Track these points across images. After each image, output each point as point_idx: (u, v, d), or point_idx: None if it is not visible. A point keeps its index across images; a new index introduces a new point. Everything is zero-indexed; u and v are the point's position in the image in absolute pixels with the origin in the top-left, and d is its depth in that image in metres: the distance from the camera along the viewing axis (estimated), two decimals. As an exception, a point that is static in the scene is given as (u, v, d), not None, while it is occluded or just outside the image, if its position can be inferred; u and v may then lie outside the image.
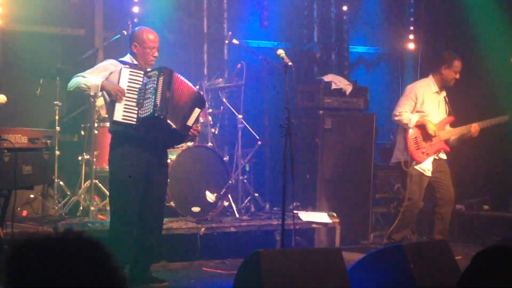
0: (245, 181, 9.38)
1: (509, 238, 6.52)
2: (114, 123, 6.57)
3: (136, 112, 6.55)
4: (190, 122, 6.74)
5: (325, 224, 8.96)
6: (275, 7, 10.92)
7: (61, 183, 8.69)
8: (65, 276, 1.84)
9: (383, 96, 9.34)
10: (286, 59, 6.83)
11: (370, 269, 6.17)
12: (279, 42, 10.94)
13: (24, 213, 8.52)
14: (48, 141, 6.77)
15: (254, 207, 9.30)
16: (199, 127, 7.11)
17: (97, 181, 8.49)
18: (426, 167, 8.75)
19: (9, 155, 6.17)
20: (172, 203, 8.26)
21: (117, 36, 9.21)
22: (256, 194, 9.42)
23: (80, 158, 8.72)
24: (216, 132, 9.31)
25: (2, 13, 9.18)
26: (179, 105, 6.67)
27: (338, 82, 9.96)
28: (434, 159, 8.79)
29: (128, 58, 6.89)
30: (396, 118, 8.81)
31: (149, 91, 6.56)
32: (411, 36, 11.66)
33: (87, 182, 8.49)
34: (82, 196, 8.53)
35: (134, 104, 6.57)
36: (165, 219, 7.48)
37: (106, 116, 7.58)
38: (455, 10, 10.98)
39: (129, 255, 6.80)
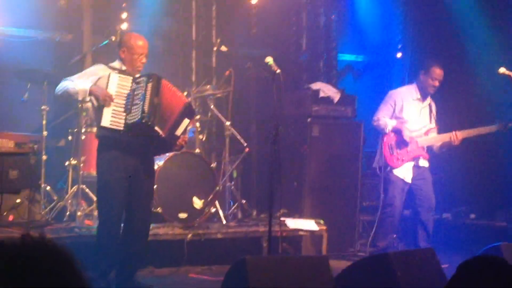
0: (232, 187, 9.38)
1: (495, 247, 6.53)
2: (102, 128, 6.56)
3: (123, 118, 6.53)
4: (178, 132, 6.73)
5: (312, 232, 8.96)
6: (263, 14, 10.93)
7: (48, 188, 8.66)
8: (22, 283, 1.82)
9: (371, 105, 9.33)
10: (275, 67, 6.84)
11: (357, 277, 6.17)
12: (267, 50, 10.94)
13: (10, 217, 8.47)
14: (35, 146, 6.78)
15: (241, 213, 9.31)
16: (187, 138, 7.09)
17: (84, 186, 8.47)
18: (405, 173, 8.80)
19: (-5, 160, 6.15)
20: (159, 209, 8.24)
21: (105, 42, 9.19)
22: (243, 201, 9.42)
23: (67, 163, 8.69)
24: (204, 139, 9.31)
25: (-11, 17, 9.17)
26: (167, 112, 6.65)
27: (326, 90, 9.98)
28: (415, 166, 8.82)
29: (117, 63, 6.88)
30: (375, 124, 8.93)
31: (137, 97, 6.55)
32: (399, 45, 11.69)
33: (74, 187, 8.47)
34: (69, 201, 8.50)
35: (122, 109, 6.55)
36: (152, 225, 7.46)
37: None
38: (443, 19, 11.02)
39: (115, 260, 6.79)
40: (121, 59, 6.87)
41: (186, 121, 6.78)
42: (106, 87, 6.58)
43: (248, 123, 9.72)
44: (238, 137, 9.33)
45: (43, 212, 8.43)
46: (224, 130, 9.35)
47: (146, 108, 6.47)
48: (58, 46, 10.09)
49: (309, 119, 9.77)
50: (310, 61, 11.43)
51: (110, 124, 6.51)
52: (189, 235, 8.21)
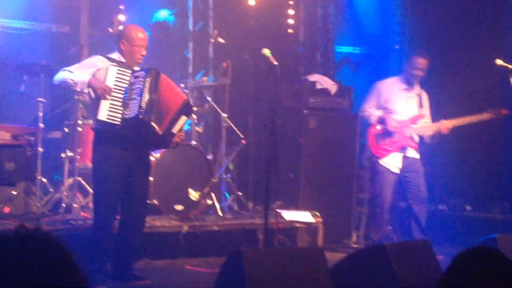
0: (228, 179, 9.38)
1: (490, 239, 6.54)
2: (98, 121, 6.55)
3: (121, 112, 6.52)
4: (175, 129, 6.72)
5: (308, 224, 8.97)
6: (261, 6, 10.90)
7: (44, 180, 8.65)
8: (17, 275, 1.82)
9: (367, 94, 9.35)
10: (272, 59, 6.84)
11: (353, 269, 6.18)
12: (265, 42, 10.91)
13: (6, 209, 8.47)
14: (32, 138, 6.76)
15: (238, 205, 9.32)
16: (183, 135, 7.08)
17: (80, 178, 8.46)
18: (392, 163, 8.81)
19: (-9, 152, 6.15)
20: (155, 201, 8.24)
21: (102, 34, 9.17)
22: (240, 193, 9.42)
23: (63, 155, 8.68)
24: (201, 131, 9.30)
25: (-15, 9, 9.15)
26: (164, 108, 6.64)
27: (323, 82, 9.97)
28: (404, 156, 8.83)
29: (115, 55, 6.86)
30: (361, 114, 9.04)
31: (135, 91, 6.54)
32: (397, 37, 11.68)
33: (70, 179, 8.46)
34: (65, 193, 8.49)
35: (120, 103, 6.54)
36: (148, 217, 7.46)
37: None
38: (441, 10, 11.01)
39: (111, 252, 6.79)
40: (121, 50, 6.85)
41: (183, 118, 6.78)
42: (104, 80, 6.57)
43: (245, 115, 9.71)
44: (235, 129, 9.33)
45: (39, 204, 8.42)
46: (220, 122, 9.35)
47: (143, 103, 6.46)
48: (54, 38, 10.07)
49: (305, 111, 9.77)
50: (307, 53, 11.42)
51: (107, 118, 6.50)
52: (185, 227, 8.21)
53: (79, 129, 8.54)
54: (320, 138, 9.78)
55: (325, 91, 9.92)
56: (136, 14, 9.73)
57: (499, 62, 7.98)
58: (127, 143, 6.61)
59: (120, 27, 8.60)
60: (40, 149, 8.39)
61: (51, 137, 9.29)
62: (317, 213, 9.12)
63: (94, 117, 6.65)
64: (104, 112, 6.51)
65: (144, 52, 6.86)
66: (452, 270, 2.86)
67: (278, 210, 8.39)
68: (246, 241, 8.47)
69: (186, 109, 6.82)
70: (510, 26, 10.53)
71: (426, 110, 9.00)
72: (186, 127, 8.54)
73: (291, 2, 11.36)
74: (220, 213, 8.82)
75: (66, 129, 8.87)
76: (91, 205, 8.06)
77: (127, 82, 6.60)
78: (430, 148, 9.96)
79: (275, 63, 6.82)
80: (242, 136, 9.34)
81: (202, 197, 8.64)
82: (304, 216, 8.99)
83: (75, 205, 8.25)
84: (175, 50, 10.64)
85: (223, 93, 9.43)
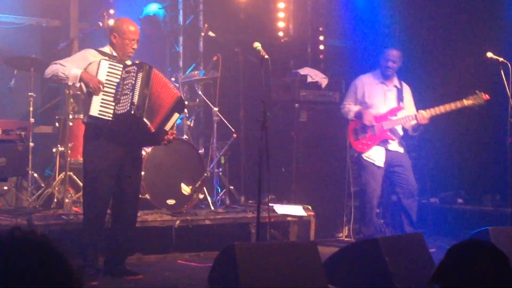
0: (220, 173, 9.37)
1: (482, 231, 6.56)
2: (90, 117, 6.53)
3: (112, 107, 6.50)
4: (167, 126, 6.71)
5: (300, 217, 8.96)
6: (250, -1, 10.90)
7: (35, 175, 8.63)
8: (11, 277, 1.81)
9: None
10: (263, 52, 6.82)
11: (346, 263, 6.20)
12: (255, 35, 10.90)
13: (-2, 205, 8.47)
14: (23, 133, 6.73)
15: (229, 199, 9.31)
16: (176, 132, 7.06)
17: (71, 173, 8.43)
18: (375, 157, 8.84)
19: (-18, 147, 6.12)
20: (147, 196, 8.22)
21: (92, 28, 9.13)
22: (231, 187, 9.41)
23: (54, 150, 8.65)
24: (192, 125, 9.29)
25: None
26: (156, 104, 6.62)
27: (314, 75, 9.97)
28: (387, 150, 8.85)
29: (107, 48, 6.84)
30: (341, 111, 9.09)
31: (127, 87, 6.52)
32: (386, 30, 11.67)
33: (61, 174, 8.44)
34: (57, 188, 8.47)
35: (111, 99, 6.52)
36: (140, 212, 7.46)
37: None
38: (431, 3, 11.02)
39: (102, 247, 6.78)
40: (112, 44, 6.83)
41: (176, 115, 6.76)
42: (96, 74, 6.54)
43: (236, 109, 9.69)
44: (226, 123, 9.31)
45: (30, 199, 8.40)
46: (211, 116, 9.33)
47: (135, 99, 6.44)
48: (45, 32, 10.04)
49: (297, 105, 9.77)
50: (298, 46, 11.41)
51: (99, 114, 6.49)
52: (177, 222, 8.19)
53: (70, 123, 8.50)
54: (311, 132, 9.79)
55: (316, 85, 9.92)
56: (126, 8, 9.71)
57: (489, 55, 7.98)
58: (119, 138, 6.59)
59: (111, 21, 8.58)
60: (31, 144, 8.36)
61: (41, 132, 9.27)
62: (309, 207, 9.12)
63: (86, 112, 6.63)
64: (96, 107, 6.49)
65: (135, 46, 6.84)
66: (446, 264, 2.86)
67: (270, 204, 8.38)
68: (238, 235, 8.46)
69: (179, 106, 6.81)
70: (494, 17, 10.53)
71: (409, 102, 9.02)
72: (177, 121, 8.52)
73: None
74: (212, 207, 8.80)
75: (57, 124, 8.84)
76: (82, 200, 8.04)
77: (119, 77, 6.58)
78: (421, 141, 9.99)
79: (266, 56, 6.80)
80: (233, 130, 9.33)
81: (194, 191, 8.63)
82: (296, 210, 8.99)
83: (66, 200, 8.23)
84: (165, 44, 10.61)
85: (214, 87, 9.41)
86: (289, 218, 8.91)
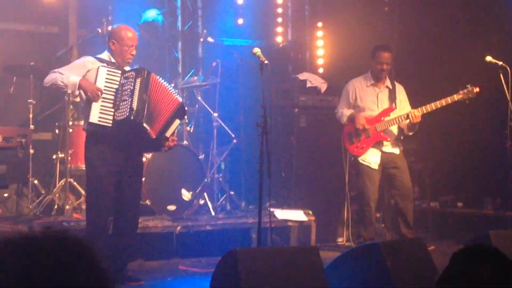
0: (220, 179, 9.38)
1: (482, 236, 6.56)
2: (90, 124, 6.52)
3: (112, 114, 6.49)
4: (168, 133, 6.70)
5: (300, 222, 8.96)
6: (249, 5, 10.91)
7: (36, 182, 8.62)
8: (46, 276, 1.82)
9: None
10: (262, 58, 6.82)
11: (347, 267, 6.18)
12: (254, 40, 10.93)
13: (-2, 212, 8.46)
14: (23, 140, 6.72)
15: (230, 205, 9.31)
16: (176, 139, 7.04)
17: (71, 179, 8.43)
18: (371, 160, 8.84)
19: (-17, 154, 6.12)
20: (148, 202, 8.23)
21: (91, 34, 9.14)
22: (232, 192, 9.42)
23: (54, 156, 8.65)
24: (191, 130, 9.29)
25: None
26: (156, 110, 6.61)
27: (313, 80, 9.98)
28: (382, 152, 8.85)
29: (105, 55, 6.84)
30: (336, 116, 9.05)
31: (126, 93, 6.51)
32: (385, 33, 11.67)
33: (62, 181, 8.43)
34: (57, 195, 8.47)
35: (111, 105, 6.51)
36: (141, 218, 7.45)
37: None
38: (428, 10, 11.04)
39: (104, 254, 6.77)
40: (111, 50, 6.82)
41: (177, 121, 6.76)
42: (94, 81, 6.54)
43: (235, 114, 9.70)
44: (226, 128, 9.32)
45: (31, 206, 8.40)
46: (211, 122, 9.34)
47: (134, 105, 6.44)
48: (44, 39, 10.03)
49: (296, 110, 9.78)
50: (296, 51, 11.42)
51: (99, 121, 6.48)
52: (178, 228, 8.19)
53: (70, 130, 8.50)
54: (311, 137, 9.80)
55: (315, 89, 9.93)
56: (125, 14, 9.71)
57: (488, 59, 7.99)
58: (120, 145, 6.58)
59: (110, 28, 8.58)
60: (31, 151, 8.37)
61: (41, 138, 9.27)
62: (310, 212, 9.13)
63: (86, 119, 6.62)
64: (96, 114, 6.48)
65: (134, 52, 6.83)
66: (450, 269, 2.86)
67: (271, 209, 8.38)
68: (239, 240, 8.47)
69: (180, 112, 6.80)
70: (494, 19, 10.54)
71: (403, 102, 9.02)
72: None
73: (279, 1, 11.36)
74: (212, 213, 8.81)
75: (56, 131, 8.84)
76: (83, 206, 8.04)
77: (118, 83, 6.58)
78: (421, 144, 9.99)
79: (266, 61, 6.80)
80: (233, 135, 9.34)
81: (195, 197, 8.64)
82: (296, 215, 9.00)
83: (67, 207, 8.23)
84: (164, 50, 10.62)
85: (213, 92, 9.42)
86: (289, 223, 8.91)
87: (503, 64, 7.75)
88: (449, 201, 10.64)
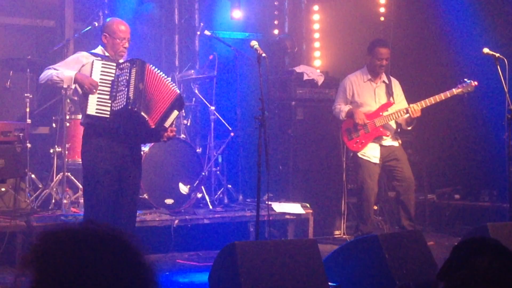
0: (218, 172, 9.38)
1: (480, 228, 6.57)
2: (88, 116, 6.51)
3: (109, 105, 6.49)
4: (167, 123, 6.68)
5: (298, 215, 8.97)
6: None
7: (33, 176, 8.61)
8: (87, 269, 1.81)
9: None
10: (260, 51, 6.81)
11: (346, 260, 6.20)
12: (250, 33, 10.92)
13: (-5, 206, 8.44)
14: (21, 134, 6.71)
15: (227, 198, 9.32)
16: (175, 129, 7.04)
17: (69, 173, 8.42)
18: (371, 154, 8.85)
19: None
20: (145, 195, 8.22)
21: (88, 28, 9.12)
22: (229, 186, 9.42)
23: (51, 150, 8.64)
24: (189, 124, 9.29)
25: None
26: (154, 99, 6.60)
27: (310, 73, 9.98)
28: (381, 146, 8.86)
29: (99, 49, 6.83)
30: (333, 113, 9.08)
31: (122, 83, 6.51)
32: (382, 27, 11.67)
33: (59, 175, 8.42)
34: (54, 189, 8.46)
35: (107, 97, 6.50)
36: (139, 212, 7.45)
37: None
38: (426, 4, 11.04)
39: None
40: (104, 44, 6.82)
41: (175, 112, 6.74)
42: (90, 75, 6.54)
43: (232, 108, 9.70)
44: (223, 121, 9.32)
45: (28, 201, 8.39)
46: (208, 115, 9.34)
47: (131, 94, 6.43)
48: (40, 33, 10.01)
49: (293, 103, 9.77)
50: (293, 44, 11.40)
51: (96, 112, 6.47)
52: (176, 221, 8.20)
53: (67, 124, 8.49)
54: (308, 130, 9.80)
55: (312, 82, 9.92)
56: (121, 7, 9.69)
57: (486, 50, 7.99)
58: (118, 137, 6.57)
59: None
60: (28, 145, 8.35)
61: (38, 132, 9.26)
62: (307, 205, 9.13)
63: (83, 113, 6.61)
64: (93, 106, 6.48)
65: (126, 45, 6.82)
66: (451, 261, 2.86)
67: (268, 202, 8.38)
68: (237, 233, 8.48)
69: (178, 103, 6.79)
70: (492, 12, 10.55)
71: (399, 96, 9.05)
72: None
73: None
74: (210, 206, 8.82)
75: (53, 125, 8.83)
76: (81, 200, 8.03)
77: (113, 75, 6.57)
78: (418, 137, 10.00)
79: (264, 54, 6.80)
80: (230, 129, 9.34)
81: (192, 190, 8.64)
82: (294, 208, 9.00)
83: (65, 201, 8.22)
84: (161, 43, 10.60)
85: (210, 85, 9.42)
86: (287, 216, 8.92)
87: (500, 56, 7.74)
88: (446, 193, 10.66)
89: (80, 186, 8.18)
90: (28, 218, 7.73)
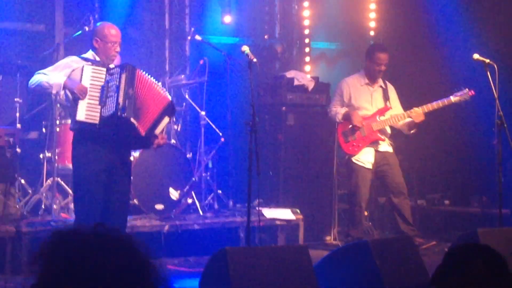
0: (208, 178, 9.36)
1: (470, 234, 6.58)
2: (77, 122, 6.48)
3: (99, 111, 6.45)
4: (158, 130, 6.65)
5: (288, 221, 8.96)
6: (236, 3, 10.90)
7: (23, 181, 8.57)
8: (95, 272, 1.81)
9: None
10: (251, 56, 6.81)
11: (336, 266, 6.20)
12: (241, 38, 10.92)
13: (-16, 211, 8.40)
14: (11, 139, 6.68)
15: (218, 204, 9.29)
16: (166, 137, 7.00)
17: (59, 179, 8.39)
18: (364, 159, 8.86)
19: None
20: (135, 201, 8.20)
21: (78, 32, 9.09)
22: (220, 191, 9.41)
23: (41, 155, 8.61)
24: (179, 129, 9.28)
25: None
26: (144, 105, 6.56)
27: (301, 78, 9.98)
28: (376, 151, 8.88)
29: (90, 54, 6.80)
30: (329, 115, 9.12)
31: (112, 89, 6.47)
32: (372, 32, 11.70)
33: (49, 180, 8.39)
34: (44, 194, 8.42)
35: (97, 102, 6.46)
36: (129, 217, 7.41)
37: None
38: (418, 5, 11.05)
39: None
40: (95, 49, 6.78)
41: (166, 119, 6.71)
42: (80, 80, 6.50)
43: (223, 113, 9.69)
44: (213, 126, 9.31)
45: (18, 206, 8.34)
46: (199, 120, 9.32)
47: (120, 100, 6.39)
48: (30, 37, 9.97)
49: (283, 108, 9.77)
50: (284, 49, 11.42)
51: (86, 118, 6.43)
52: (166, 227, 8.18)
53: (57, 129, 8.46)
54: (298, 135, 9.79)
55: (302, 88, 9.92)
56: (111, 12, 9.67)
57: (476, 56, 8.00)
58: (108, 143, 6.53)
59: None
60: (18, 150, 8.32)
61: (28, 137, 9.22)
62: (298, 210, 9.12)
63: (73, 118, 6.58)
64: (82, 112, 6.44)
65: (118, 49, 6.80)
66: (444, 267, 2.87)
67: (259, 208, 8.36)
68: (227, 239, 8.45)
69: (169, 110, 6.76)
70: (482, 18, 10.58)
71: (395, 102, 9.08)
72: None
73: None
74: (200, 212, 8.80)
75: (43, 130, 8.80)
76: (71, 206, 8.00)
77: (103, 80, 6.54)
78: (408, 142, 10.00)
79: (255, 60, 6.80)
80: (221, 134, 9.33)
81: (182, 196, 8.62)
82: (284, 214, 8.99)
83: (54, 206, 8.18)
84: (151, 48, 10.58)
85: (201, 90, 9.41)
86: (277, 222, 8.90)
87: (490, 62, 7.76)
88: (436, 199, 10.68)
89: (70, 192, 8.14)
90: (18, 223, 7.70)
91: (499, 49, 9.55)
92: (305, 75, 10.17)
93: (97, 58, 6.74)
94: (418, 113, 8.67)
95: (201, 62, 9.36)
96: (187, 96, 9.32)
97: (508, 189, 7.84)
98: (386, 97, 9.03)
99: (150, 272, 1.90)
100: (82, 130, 6.53)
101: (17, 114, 8.52)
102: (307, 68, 11.31)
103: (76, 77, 6.55)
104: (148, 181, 8.45)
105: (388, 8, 11.42)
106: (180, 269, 7.95)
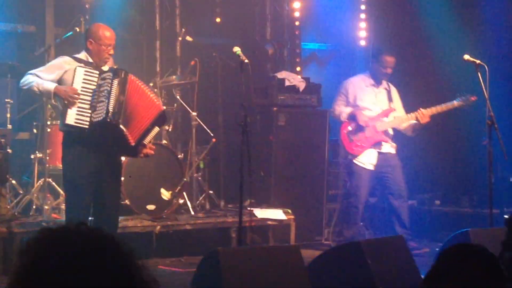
0: (199, 178, 9.36)
1: (463, 233, 6.60)
2: (66, 125, 6.45)
3: (89, 115, 6.41)
4: (146, 140, 6.61)
5: (280, 221, 8.97)
6: (227, 3, 10.90)
7: (13, 181, 8.56)
8: (77, 271, 1.81)
9: (335, 93, 9.38)
10: (243, 57, 6.82)
11: (329, 266, 6.20)
12: (232, 39, 10.91)
13: (-25, 212, 8.38)
14: (2, 140, 6.66)
15: (209, 204, 9.30)
16: (154, 147, 6.92)
17: (50, 179, 8.38)
18: (366, 160, 8.87)
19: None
20: (127, 201, 8.20)
21: (69, 33, 9.07)
22: (211, 192, 9.41)
23: (32, 156, 8.59)
24: (170, 130, 9.26)
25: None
26: (135, 112, 6.51)
27: (292, 79, 9.98)
28: (379, 152, 8.89)
29: (83, 55, 6.76)
30: (332, 114, 9.16)
31: (103, 94, 6.42)
32: (363, 33, 11.73)
33: (40, 181, 8.38)
34: (35, 195, 8.41)
35: (88, 106, 6.41)
36: (120, 217, 7.41)
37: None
38: (407, 6, 11.08)
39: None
40: (88, 50, 6.74)
41: (156, 129, 6.66)
42: (72, 82, 6.46)
43: (214, 114, 9.69)
44: (205, 127, 9.30)
45: (9, 207, 8.33)
46: (190, 121, 9.32)
47: (111, 106, 6.36)
48: (20, 38, 9.95)
49: (275, 108, 9.77)
50: (275, 50, 11.42)
51: (75, 122, 6.39)
52: (158, 227, 8.18)
53: (48, 130, 8.45)
54: (289, 135, 9.79)
55: (293, 88, 9.92)
56: (102, 13, 9.65)
57: (466, 57, 8.03)
58: (97, 146, 6.51)
59: (87, 26, 8.53)
60: (9, 151, 8.30)
61: (19, 138, 9.20)
62: (289, 210, 9.13)
63: (62, 120, 6.54)
64: (72, 116, 6.39)
65: (112, 51, 6.76)
66: (437, 267, 2.87)
67: (250, 208, 8.38)
68: (219, 239, 8.47)
69: (160, 120, 6.71)
70: (473, 20, 10.61)
71: (398, 103, 9.11)
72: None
73: (257, -1, 11.37)
74: (192, 212, 8.80)
75: (34, 130, 8.78)
76: (62, 206, 7.99)
77: (95, 83, 6.50)
78: (398, 143, 10.03)
79: (246, 61, 6.80)
80: (212, 135, 9.32)
81: (174, 196, 8.62)
82: (275, 214, 9.00)
83: (46, 207, 8.17)
84: (142, 49, 10.57)
85: (192, 91, 9.40)
86: (269, 222, 8.91)
87: (481, 63, 7.78)
88: (427, 199, 10.70)
89: (61, 192, 8.13)
90: (9, 224, 7.68)
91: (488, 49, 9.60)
92: (296, 76, 10.16)
93: (90, 60, 6.70)
94: (423, 114, 8.69)
95: (192, 63, 9.35)
96: (178, 97, 9.31)
97: (498, 189, 7.88)
98: (390, 99, 9.05)
99: (135, 271, 1.89)
100: (71, 133, 6.50)
101: (8, 115, 8.51)
102: (298, 68, 11.32)
103: (68, 79, 6.51)
104: (139, 182, 8.44)
105: (377, 9, 11.43)
106: (173, 269, 7.95)
